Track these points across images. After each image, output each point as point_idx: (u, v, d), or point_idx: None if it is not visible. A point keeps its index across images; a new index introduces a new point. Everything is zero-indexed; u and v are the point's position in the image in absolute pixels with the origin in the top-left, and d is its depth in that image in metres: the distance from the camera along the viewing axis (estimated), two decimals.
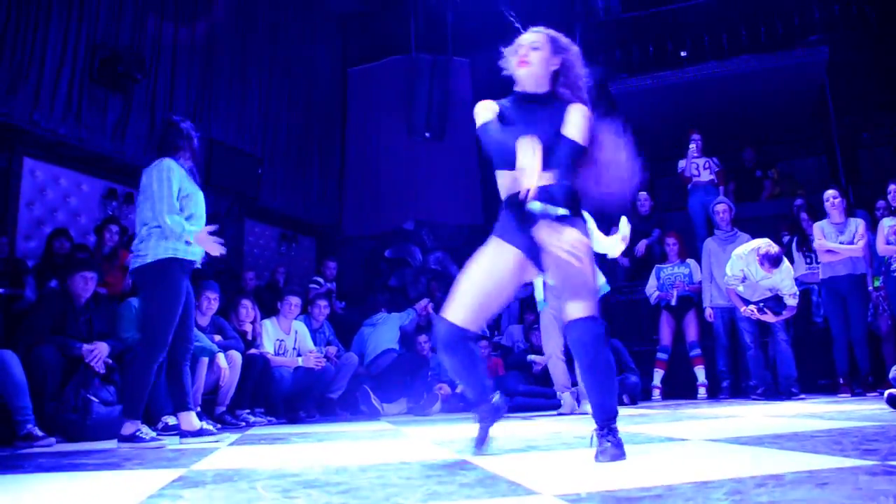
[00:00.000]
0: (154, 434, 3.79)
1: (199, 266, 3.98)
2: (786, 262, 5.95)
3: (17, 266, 5.95)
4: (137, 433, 3.72)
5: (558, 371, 5.64)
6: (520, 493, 1.82)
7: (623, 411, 5.36)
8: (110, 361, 4.63)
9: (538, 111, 2.69)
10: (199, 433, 3.90)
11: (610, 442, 2.47)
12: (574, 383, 5.59)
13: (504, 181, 2.74)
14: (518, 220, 2.63)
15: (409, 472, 2.37)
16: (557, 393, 5.75)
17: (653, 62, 9.64)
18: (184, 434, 3.94)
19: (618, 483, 1.91)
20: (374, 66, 11.40)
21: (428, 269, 10.80)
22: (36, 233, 7.46)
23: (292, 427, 5.34)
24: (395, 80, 10.96)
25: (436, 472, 2.30)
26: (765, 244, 5.90)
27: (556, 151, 2.55)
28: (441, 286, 10.09)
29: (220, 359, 5.29)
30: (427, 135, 10.30)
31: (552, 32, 2.79)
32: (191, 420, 3.97)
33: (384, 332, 7.18)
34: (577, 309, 2.49)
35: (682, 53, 9.47)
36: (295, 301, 6.41)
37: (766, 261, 5.80)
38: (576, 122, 2.61)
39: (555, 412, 5.86)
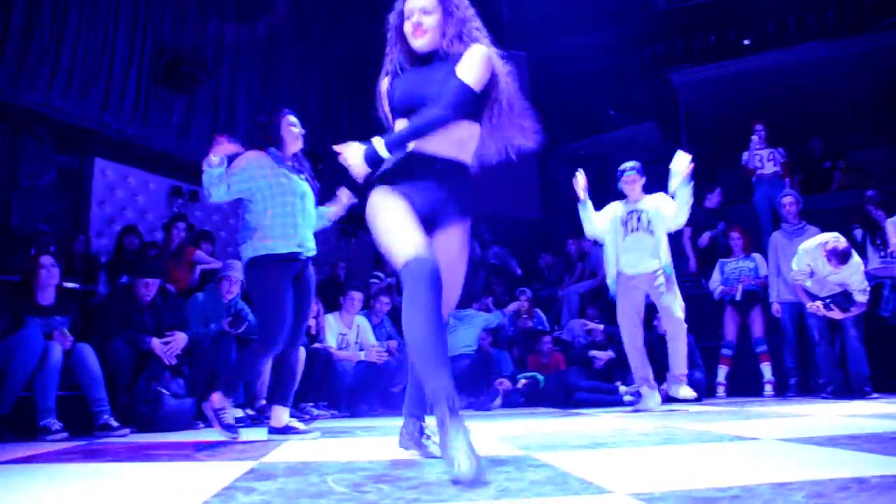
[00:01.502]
0: (241, 413, 3.75)
1: (304, 256, 3.89)
2: (855, 257, 5.74)
3: (91, 262, 6.16)
4: (220, 412, 3.68)
5: (636, 362, 5.43)
6: (592, 492, 1.81)
7: (688, 408, 5.33)
8: (179, 352, 4.74)
9: (436, 69, 2.46)
10: (286, 430, 3.85)
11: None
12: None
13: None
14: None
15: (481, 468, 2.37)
16: (637, 386, 5.56)
17: (715, 51, 9.45)
18: (273, 430, 3.87)
19: (692, 482, 1.88)
20: None
21: (487, 264, 10.78)
22: (107, 230, 7.70)
23: (356, 420, 5.41)
24: None
25: (504, 469, 2.30)
26: (832, 239, 5.70)
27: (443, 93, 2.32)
28: (500, 280, 10.09)
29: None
30: None
31: None
32: (280, 416, 3.90)
33: (464, 330, 7.13)
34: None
35: (746, 41, 9.25)
36: (357, 296, 6.49)
37: (833, 256, 5.61)
38: (469, 63, 2.37)
39: (619, 408, 5.81)
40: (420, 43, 2.46)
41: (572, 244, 9.48)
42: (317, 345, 6.02)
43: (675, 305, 5.27)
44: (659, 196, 5.46)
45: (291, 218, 3.74)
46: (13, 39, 6.51)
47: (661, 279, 5.26)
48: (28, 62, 6.67)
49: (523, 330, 7.89)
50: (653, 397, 5.29)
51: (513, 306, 8.08)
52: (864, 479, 1.79)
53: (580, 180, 5.43)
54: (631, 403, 6.06)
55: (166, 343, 4.65)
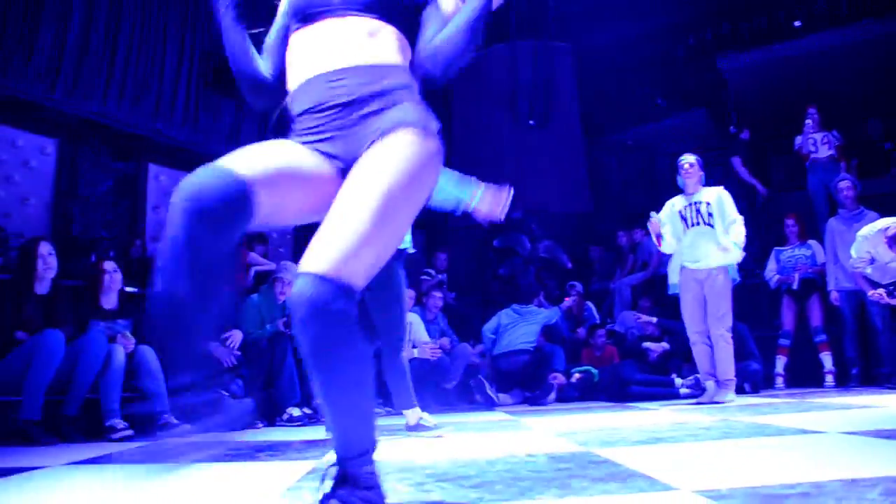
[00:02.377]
0: (435, 422, 3.81)
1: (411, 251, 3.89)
2: None
3: (148, 266, 6.30)
4: (421, 421, 3.76)
5: (701, 356, 5.36)
6: (657, 489, 1.79)
7: (746, 400, 5.24)
8: (238, 353, 4.83)
9: None
10: (416, 427, 3.84)
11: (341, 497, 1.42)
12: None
13: None
14: None
15: (537, 465, 2.38)
16: (701, 380, 5.49)
17: (764, 34, 9.21)
18: (410, 427, 3.86)
19: (758, 479, 1.85)
20: (476, 55, 11.40)
21: (537, 258, 10.73)
22: (162, 234, 7.86)
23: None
24: (498, 68, 10.92)
25: (565, 466, 2.30)
26: (893, 224, 5.53)
27: None
28: (550, 275, 10.05)
29: None
30: (531, 122, 10.23)
31: None
32: (411, 414, 3.90)
33: (526, 327, 7.07)
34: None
35: (796, 23, 9.00)
36: (409, 294, 6.51)
37: (893, 242, 5.44)
38: None
39: (674, 401, 5.75)
40: None
41: (623, 236, 9.39)
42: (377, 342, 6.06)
43: (722, 308, 5.21)
44: (718, 189, 5.40)
45: None
46: (70, 53, 6.70)
47: (721, 279, 5.21)
48: (83, 74, 6.85)
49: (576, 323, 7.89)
50: (718, 392, 5.21)
51: (567, 302, 8.04)
52: None
53: (655, 225, 5.36)
54: (687, 396, 6.00)
55: (226, 338, 4.75)
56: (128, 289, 5.12)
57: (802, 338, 6.74)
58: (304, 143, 1.66)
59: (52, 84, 6.63)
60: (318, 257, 1.38)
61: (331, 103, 1.65)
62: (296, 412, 4.95)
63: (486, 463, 2.48)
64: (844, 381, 6.39)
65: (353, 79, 1.66)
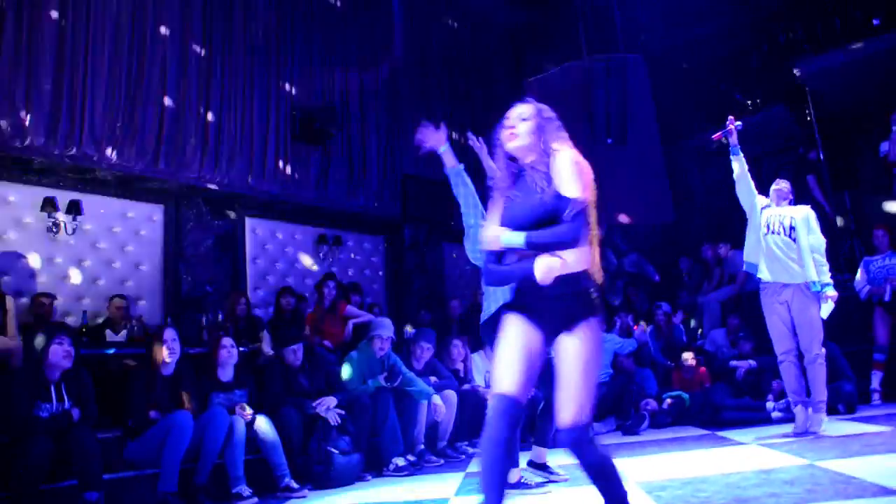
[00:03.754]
0: (541, 479, 4.13)
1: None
2: None
3: (254, 323, 6.76)
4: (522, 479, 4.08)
5: (789, 376, 5.22)
6: None
7: (839, 429, 5.20)
8: (342, 412, 5.17)
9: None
10: (544, 468, 4.21)
11: None
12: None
13: None
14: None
15: None
16: (791, 404, 5.37)
17: (841, 34, 9.00)
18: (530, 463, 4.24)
19: None
20: (548, 74, 11.50)
21: (624, 272, 10.80)
22: (262, 283, 8.39)
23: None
24: (572, 86, 11.01)
25: None
26: None
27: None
28: (638, 290, 10.10)
29: (436, 399, 5.71)
30: (609, 140, 10.29)
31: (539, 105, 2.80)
32: (539, 453, 4.25)
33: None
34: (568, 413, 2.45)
35: (875, 21, 8.77)
36: None
37: None
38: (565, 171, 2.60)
39: (766, 426, 5.79)
40: (511, 146, 2.72)
41: (708, 249, 9.35)
42: (466, 386, 6.35)
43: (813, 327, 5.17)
44: (806, 208, 5.41)
45: None
46: (168, 126, 7.24)
47: (804, 295, 5.15)
48: (183, 144, 7.39)
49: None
50: (812, 418, 5.15)
51: (642, 325, 8.13)
52: None
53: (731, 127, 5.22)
54: (779, 421, 6.02)
55: (320, 404, 5.10)
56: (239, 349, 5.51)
57: None
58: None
59: (155, 156, 7.20)
60: (570, 412, 2.43)
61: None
62: (400, 462, 5.26)
63: None
64: None
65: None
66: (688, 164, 11.53)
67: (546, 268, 2.43)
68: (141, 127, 7.02)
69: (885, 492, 3.07)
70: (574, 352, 2.47)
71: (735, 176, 5.33)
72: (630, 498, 2.51)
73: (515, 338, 2.54)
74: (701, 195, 11.41)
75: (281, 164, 8.47)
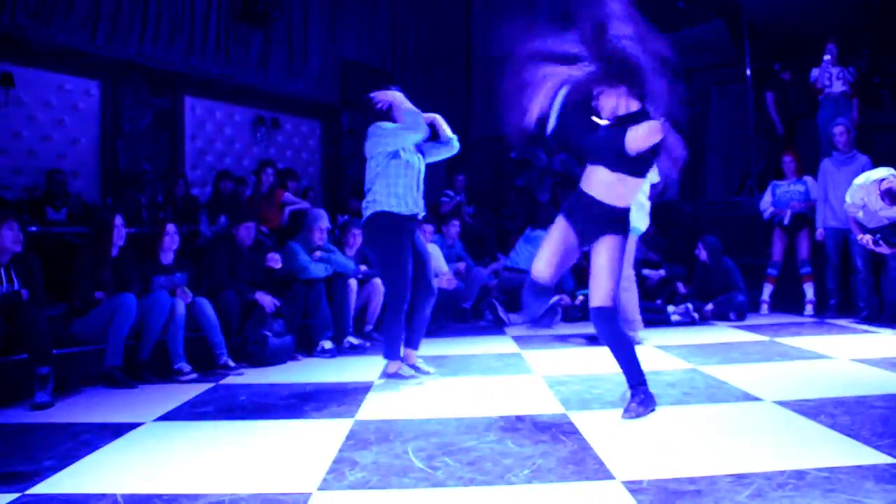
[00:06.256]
0: (413, 372, 4.51)
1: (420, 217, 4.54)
2: None
3: (192, 204, 6.96)
4: (399, 371, 4.46)
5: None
6: (600, 478, 2.48)
7: (729, 326, 5.83)
8: (278, 302, 5.53)
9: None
10: (413, 367, 4.57)
11: (636, 401, 3.31)
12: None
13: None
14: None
15: (522, 436, 3.06)
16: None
17: None
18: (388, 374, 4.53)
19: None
20: None
21: (553, 171, 11.18)
22: (200, 162, 8.51)
23: (429, 345, 6.04)
24: None
25: (542, 438, 3.00)
26: (888, 177, 5.79)
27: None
28: (566, 189, 10.53)
29: (352, 282, 6.06)
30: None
31: None
32: (411, 356, 4.61)
33: (529, 251, 7.53)
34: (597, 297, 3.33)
35: None
36: (429, 228, 7.11)
37: (887, 196, 5.74)
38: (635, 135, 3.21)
39: (665, 327, 6.43)
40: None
41: None
42: None
43: None
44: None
45: None
46: (107, 1, 7.13)
47: None
48: (121, 18, 7.30)
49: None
50: None
51: None
52: None
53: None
54: (678, 323, 6.68)
55: (262, 298, 5.44)
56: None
57: (789, 268, 7.32)
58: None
59: (92, 31, 7.11)
60: (600, 297, 3.30)
61: None
62: (328, 345, 5.69)
63: (484, 429, 3.16)
64: (823, 311, 6.99)
65: None
66: None
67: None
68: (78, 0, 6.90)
69: (748, 397, 3.67)
70: (605, 253, 3.31)
71: None
72: (643, 366, 3.38)
73: (558, 236, 3.41)
74: None
75: (222, 43, 8.42)
